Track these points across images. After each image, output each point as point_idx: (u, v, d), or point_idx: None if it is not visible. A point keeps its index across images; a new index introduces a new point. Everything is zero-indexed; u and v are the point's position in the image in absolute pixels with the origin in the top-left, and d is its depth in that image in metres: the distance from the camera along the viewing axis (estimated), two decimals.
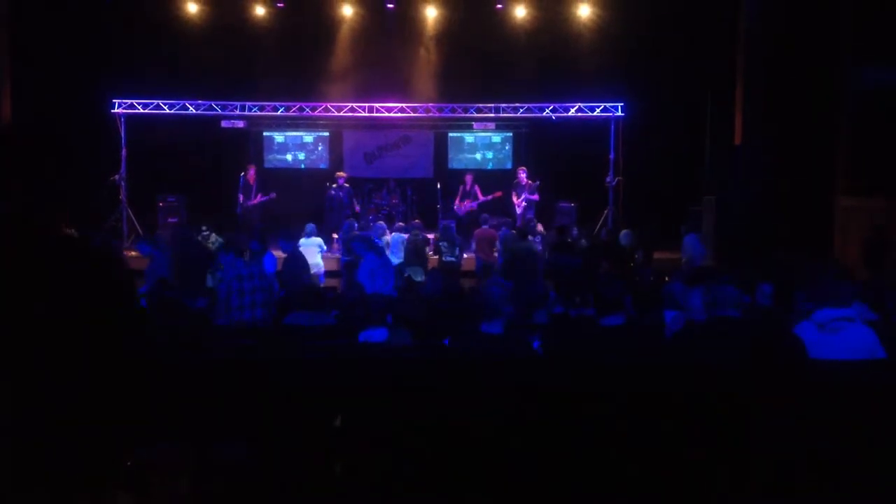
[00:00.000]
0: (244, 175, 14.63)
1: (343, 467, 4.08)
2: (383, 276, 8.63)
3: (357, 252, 9.49)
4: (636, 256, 11.44)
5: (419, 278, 11.46)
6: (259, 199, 14.37)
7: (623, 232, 12.03)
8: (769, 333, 4.53)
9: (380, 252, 9.08)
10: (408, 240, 12.13)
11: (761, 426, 3.76)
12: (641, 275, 10.18)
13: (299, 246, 10.34)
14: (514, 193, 14.94)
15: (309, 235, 12.12)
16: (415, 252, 11.93)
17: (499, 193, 14.94)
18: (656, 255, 12.71)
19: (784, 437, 3.76)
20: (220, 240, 11.36)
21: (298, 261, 9.16)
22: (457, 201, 15.24)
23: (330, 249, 12.93)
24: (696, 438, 3.79)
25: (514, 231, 12.24)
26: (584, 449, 3.82)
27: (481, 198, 15.04)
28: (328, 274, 12.33)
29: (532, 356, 4.51)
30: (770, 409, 3.78)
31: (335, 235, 13.76)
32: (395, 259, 12.27)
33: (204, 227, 12.68)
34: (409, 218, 14.84)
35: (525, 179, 14.81)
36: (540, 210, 14.82)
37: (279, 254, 9.66)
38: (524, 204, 14.64)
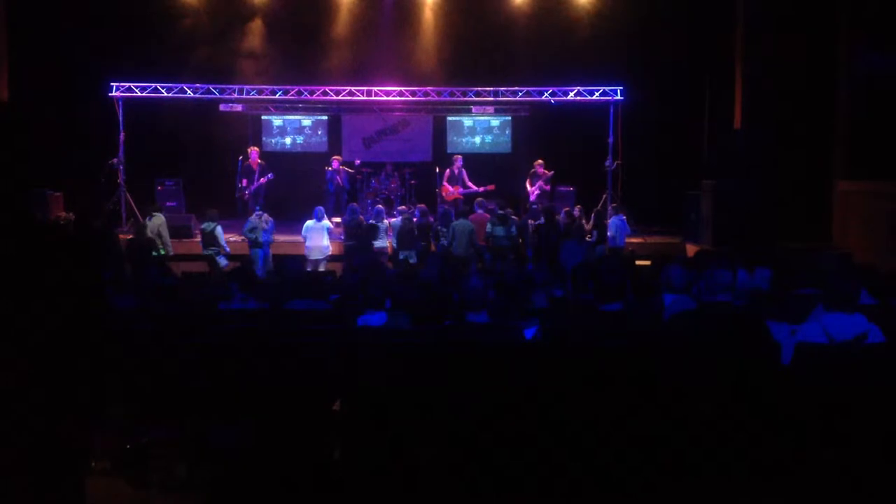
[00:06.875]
0: (243, 159, 14.51)
1: (342, 452, 4.10)
2: None
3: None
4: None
5: (411, 260, 11.49)
6: (262, 180, 14.22)
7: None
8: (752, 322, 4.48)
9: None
10: (400, 223, 12.09)
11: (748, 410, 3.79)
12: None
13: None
14: (528, 182, 14.84)
15: (319, 219, 12.24)
16: (407, 235, 11.92)
17: (491, 187, 14.74)
18: (653, 240, 13.93)
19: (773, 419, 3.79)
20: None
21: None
22: (444, 186, 14.97)
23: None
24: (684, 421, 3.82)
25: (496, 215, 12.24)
26: (579, 433, 3.85)
27: (471, 186, 14.85)
28: (331, 259, 12.37)
29: (527, 342, 4.52)
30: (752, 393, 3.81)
31: (336, 219, 13.71)
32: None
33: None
34: (408, 202, 14.79)
35: (542, 170, 14.72)
36: (540, 194, 14.78)
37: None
38: (538, 192, 14.57)
